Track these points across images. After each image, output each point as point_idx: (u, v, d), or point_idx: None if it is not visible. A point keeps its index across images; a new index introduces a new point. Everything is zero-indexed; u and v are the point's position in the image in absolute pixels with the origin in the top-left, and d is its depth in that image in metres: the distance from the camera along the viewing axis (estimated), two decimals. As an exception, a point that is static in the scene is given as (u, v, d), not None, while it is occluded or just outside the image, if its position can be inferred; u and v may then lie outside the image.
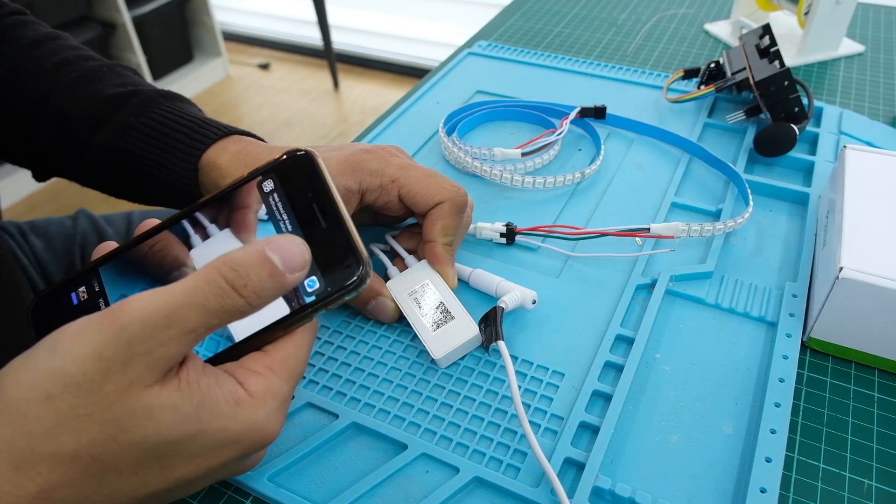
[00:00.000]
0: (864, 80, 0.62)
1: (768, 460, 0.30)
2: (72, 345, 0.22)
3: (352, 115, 2.14)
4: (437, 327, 0.36)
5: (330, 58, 2.21)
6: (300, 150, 0.28)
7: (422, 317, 0.37)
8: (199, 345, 0.29)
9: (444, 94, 0.60)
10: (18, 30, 0.48)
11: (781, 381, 0.34)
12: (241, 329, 0.26)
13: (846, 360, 0.36)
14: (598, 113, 0.54)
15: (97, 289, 0.29)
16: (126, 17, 1.90)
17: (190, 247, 0.30)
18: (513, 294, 0.37)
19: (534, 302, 0.38)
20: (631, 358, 0.35)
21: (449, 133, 0.53)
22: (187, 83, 2.20)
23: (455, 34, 2.17)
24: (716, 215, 0.45)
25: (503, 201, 0.48)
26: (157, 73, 2.12)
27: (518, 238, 0.43)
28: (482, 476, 0.31)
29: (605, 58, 0.67)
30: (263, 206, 0.29)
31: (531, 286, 0.39)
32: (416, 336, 0.37)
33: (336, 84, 2.27)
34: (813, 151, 0.50)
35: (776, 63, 0.50)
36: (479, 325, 0.36)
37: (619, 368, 0.35)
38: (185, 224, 0.29)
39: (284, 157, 0.28)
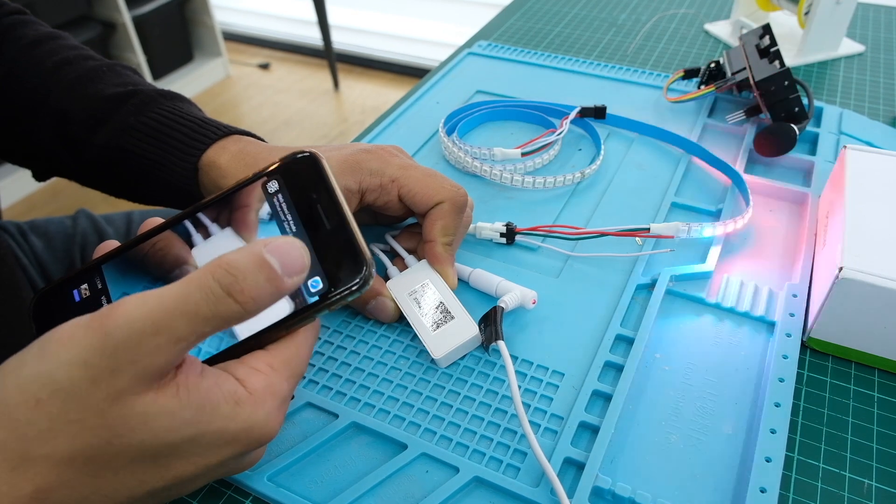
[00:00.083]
0: (864, 80, 0.62)
1: (768, 460, 0.30)
2: (59, 349, 0.22)
3: (352, 115, 2.14)
4: (437, 327, 0.36)
5: (330, 58, 2.21)
6: (305, 152, 0.28)
7: (422, 317, 0.37)
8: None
9: (444, 94, 0.60)
10: (18, 29, 0.48)
11: (781, 380, 0.34)
12: (244, 328, 0.26)
13: (846, 360, 0.36)
14: (598, 113, 0.54)
15: (99, 286, 0.29)
16: (126, 16, 1.90)
17: (192, 246, 0.30)
18: (513, 294, 0.37)
19: (534, 302, 0.38)
20: (631, 358, 0.35)
21: (449, 133, 0.53)
22: (187, 83, 2.20)
23: (455, 34, 2.17)
24: (716, 215, 0.45)
25: (503, 201, 0.48)
26: (157, 73, 2.12)
27: (518, 238, 0.43)
28: (482, 476, 0.31)
29: (605, 58, 0.67)
30: (265, 206, 0.29)
31: (531, 286, 0.39)
32: (415, 336, 0.37)
33: (336, 84, 2.27)
34: (813, 151, 0.50)
35: (776, 63, 0.50)
36: (479, 324, 0.36)
37: (619, 368, 0.35)
38: (188, 223, 0.30)
39: (289, 158, 0.28)
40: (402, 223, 0.45)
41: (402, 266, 0.40)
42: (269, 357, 0.26)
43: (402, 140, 0.54)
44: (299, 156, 0.28)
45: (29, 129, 0.46)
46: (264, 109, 2.18)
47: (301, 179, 0.28)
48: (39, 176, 0.51)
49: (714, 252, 0.41)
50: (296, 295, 0.26)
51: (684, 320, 0.38)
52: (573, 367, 0.36)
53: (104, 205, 1.65)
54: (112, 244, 0.30)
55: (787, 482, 0.31)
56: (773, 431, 0.31)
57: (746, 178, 0.47)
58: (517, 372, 0.35)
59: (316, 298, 0.26)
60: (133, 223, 0.64)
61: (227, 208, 0.30)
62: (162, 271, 0.30)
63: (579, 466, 0.31)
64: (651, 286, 0.40)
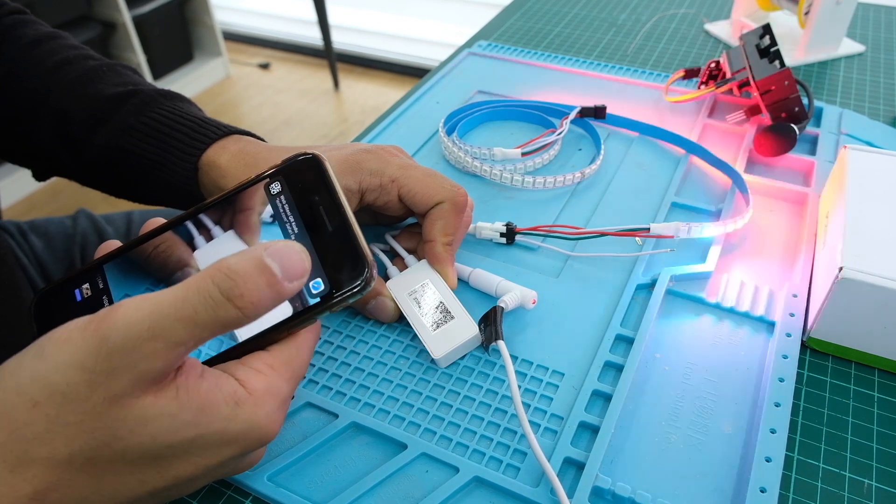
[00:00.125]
0: (864, 80, 0.62)
1: (768, 460, 0.30)
2: (56, 352, 0.22)
3: (352, 114, 2.14)
4: (437, 327, 0.36)
5: (330, 57, 2.21)
6: (307, 153, 0.28)
7: (421, 316, 0.37)
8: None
9: (444, 93, 0.60)
10: (18, 29, 0.48)
11: (781, 380, 0.34)
12: (245, 329, 0.26)
13: (846, 359, 0.36)
14: (598, 113, 0.54)
15: (101, 286, 0.29)
16: (126, 16, 1.90)
17: (194, 247, 0.30)
18: (513, 294, 0.37)
19: (533, 302, 0.38)
20: (631, 358, 0.35)
21: (449, 133, 0.53)
22: (187, 83, 2.20)
23: (455, 34, 2.17)
24: (716, 215, 0.45)
25: (503, 201, 0.48)
26: (157, 73, 2.12)
27: (518, 238, 0.43)
28: (482, 476, 0.31)
29: (605, 58, 0.67)
30: (268, 208, 0.29)
31: (531, 286, 0.39)
32: (415, 336, 0.37)
33: (336, 84, 2.27)
34: (813, 151, 0.50)
35: (776, 63, 0.50)
36: (479, 324, 0.36)
37: (619, 368, 0.35)
38: (190, 225, 0.30)
39: (292, 159, 0.28)
40: (402, 223, 0.45)
41: (402, 266, 0.40)
42: (269, 358, 0.26)
43: (402, 140, 0.54)
44: (302, 157, 0.28)
45: (29, 128, 0.46)
46: (264, 109, 2.18)
47: (303, 181, 0.28)
48: (39, 176, 0.51)
49: (714, 252, 0.41)
50: (297, 297, 0.26)
51: (684, 320, 0.38)
52: (573, 366, 0.36)
53: (104, 205, 1.65)
54: (114, 244, 0.30)
55: (787, 482, 0.31)
56: (773, 431, 0.31)
57: (746, 178, 0.47)
58: (517, 372, 0.35)
59: (317, 300, 0.26)
60: (133, 223, 0.64)
61: (230, 210, 0.30)
62: (164, 273, 0.30)
63: (579, 466, 0.31)
64: (651, 286, 0.40)
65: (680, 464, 0.31)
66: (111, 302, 0.28)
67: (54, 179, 1.60)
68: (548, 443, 0.32)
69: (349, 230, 0.27)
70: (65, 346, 0.22)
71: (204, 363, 0.26)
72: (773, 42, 0.51)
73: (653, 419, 0.33)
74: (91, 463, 0.22)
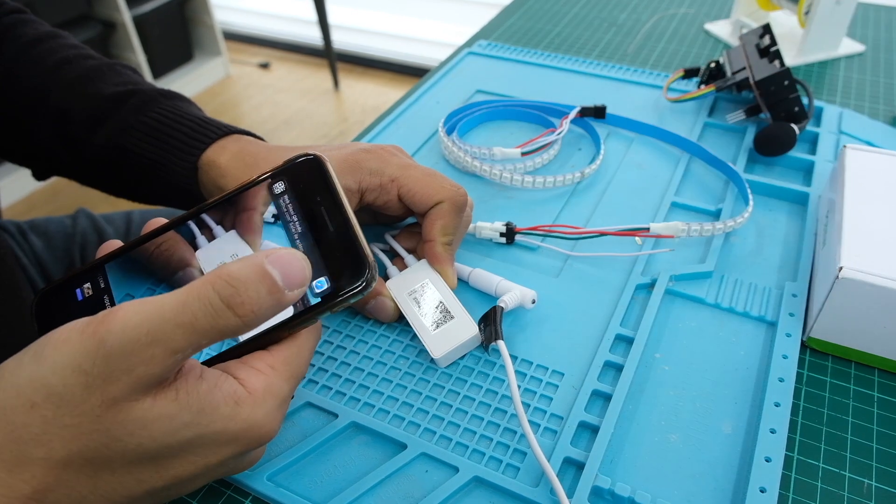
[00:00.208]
0: (864, 79, 0.62)
1: (768, 460, 0.30)
2: (54, 353, 0.22)
3: (352, 114, 2.14)
4: (437, 327, 0.36)
5: (330, 57, 2.21)
6: (309, 154, 0.28)
7: (421, 316, 0.37)
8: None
9: (444, 93, 0.60)
10: (18, 28, 0.48)
11: (781, 380, 0.34)
12: None
13: (846, 359, 0.36)
14: (598, 112, 0.54)
15: (102, 286, 0.29)
16: (126, 16, 1.90)
17: (196, 247, 0.30)
18: (512, 293, 0.37)
19: (533, 301, 0.38)
20: (630, 357, 0.35)
21: (449, 132, 0.53)
22: (187, 82, 2.20)
23: (455, 34, 2.17)
24: (716, 215, 0.45)
25: (503, 201, 0.48)
26: (157, 73, 2.12)
27: (518, 237, 0.43)
28: (482, 476, 0.31)
29: (605, 58, 0.67)
30: (269, 208, 0.29)
31: (531, 286, 0.39)
32: (415, 335, 0.37)
33: (336, 83, 2.27)
34: (813, 151, 0.50)
35: (776, 63, 0.50)
36: (479, 324, 0.36)
37: (619, 368, 0.35)
38: (192, 224, 0.30)
39: (293, 160, 0.28)
40: (401, 223, 0.45)
41: (402, 266, 0.40)
42: (269, 357, 0.26)
43: (402, 140, 0.54)
44: (303, 158, 0.28)
45: (29, 128, 0.46)
46: (264, 109, 2.18)
47: (305, 181, 0.28)
48: (39, 175, 0.51)
49: (714, 252, 0.41)
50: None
51: (684, 320, 0.38)
52: (573, 366, 0.36)
53: (104, 204, 1.65)
54: (115, 244, 0.30)
55: (787, 482, 0.31)
56: (772, 431, 0.31)
57: (746, 177, 0.47)
58: (517, 372, 0.35)
59: (318, 300, 0.26)
60: (133, 223, 0.64)
61: (232, 210, 0.30)
62: (166, 272, 0.30)
63: (579, 466, 0.31)
64: (651, 286, 0.40)
65: (680, 464, 0.31)
66: (112, 302, 0.28)
67: (54, 179, 1.60)
68: (547, 443, 0.32)
69: (350, 231, 0.27)
70: (63, 347, 0.22)
71: (204, 363, 0.26)
72: (773, 42, 0.51)
73: (652, 419, 0.33)
74: (89, 464, 0.22)
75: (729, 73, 0.54)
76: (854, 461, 0.31)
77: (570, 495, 0.29)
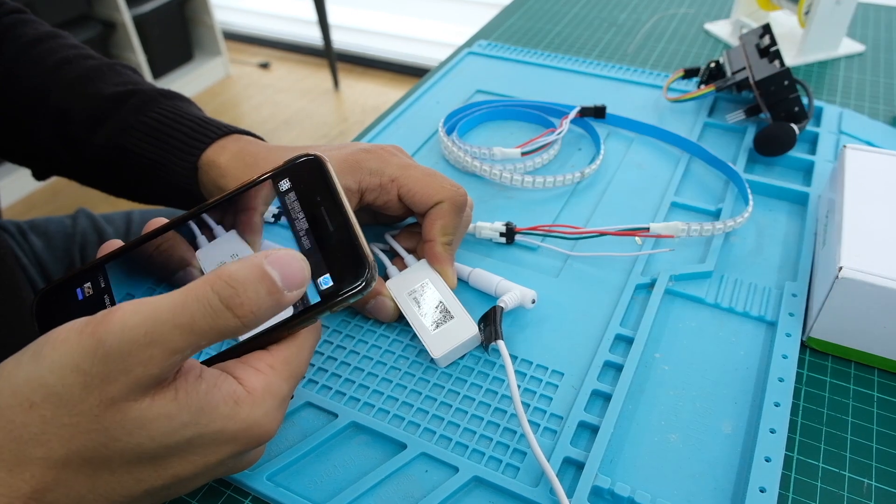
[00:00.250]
0: (864, 79, 0.62)
1: (768, 460, 0.30)
2: (53, 353, 0.22)
3: (352, 114, 2.14)
4: (437, 327, 0.36)
5: (330, 57, 2.21)
6: (310, 155, 0.28)
7: (421, 316, 0.37)
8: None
9: (444, 93, 0.60)
10: (18, 28, 0.48)
11: (781, 380, 0.34)
12: None
13: (846, 359, 0.36)
14: (598, 112, 0.54)
15: (103, 285, 0.29)
16: (126, 16, 1.90)
17: (196, 247, 0.30)
18: (512, 293, 0.37)
19: (533, 301, 0.38)
20: (630, 357, 0.35)
21: (449, 132, 0.53)
22: (187, 82, 2.20)
23: (455, 34, 2.17)
24: (715, 215, 0.45)
25: (503, 201, 0.48)
26: (157, 73, 2.12)
27: (518, 237, 0.43)
28: (481, 475, 0.31)
29: (605, 58, 0.67)
30: (269, 208, 0.29)
31: (531, 285, 0.39)
32: (415, 335, 0.37)
33: (336, 83, 2.27)
34: (813, 151, 0.50)
35: (776, 63, 0.50)
36: (479, 324, 0.36)
37: (619, 368, 0.35)
38: (192, 224, 0.30)
39: (294, 160, 0.28)
40: (401, 223, 0.45)
41: (402, 266, 0.40)
42: (269, 357, 0.26)
43: (402, 140, 0.54)
44: (304, 158, 0.28)
45: (29, 128, 0.46)
46: (264, 109, 2.18)
47: (305, 182, 0.28)
48: (39, 175, 0.51)
49: (714, 252, 0.41)
50: None
51: (684, 320, 0.38)
52: (573, 366, 0.36)
53: (104, 204, 1.65)
54: (116, 244, 0.30)
55: (787, 482, 0.31)
56: (772, 431, 0.31)
57: (746, 177, 0.47)
58: (517, 371, 0.35)
59: (318, 300, 0.26)
60: (133, 223, 0.64)
61: (232, 210, 0.30)
62: (166, 272, 0.30)
63: (579, 466, 0.31)
64: (651, 286, 0.40)
65: (679, 464, 0.31)
66: (113, 301, 0.28)
67: (54, 179, 1.60)
68: (547, 442, 0.32)
69: (350, 231, 0.27)
70: (61, 347, 0.22)
71: (204, 362, 0.26)
72: (773, 42, 0.51)
73: (652, 419, 0.33)
74: (88, 463, 0.22)
75: (729, 73, 0.54)
76: (854, 461, 0.31)
77: (569, 495, 0.29)
